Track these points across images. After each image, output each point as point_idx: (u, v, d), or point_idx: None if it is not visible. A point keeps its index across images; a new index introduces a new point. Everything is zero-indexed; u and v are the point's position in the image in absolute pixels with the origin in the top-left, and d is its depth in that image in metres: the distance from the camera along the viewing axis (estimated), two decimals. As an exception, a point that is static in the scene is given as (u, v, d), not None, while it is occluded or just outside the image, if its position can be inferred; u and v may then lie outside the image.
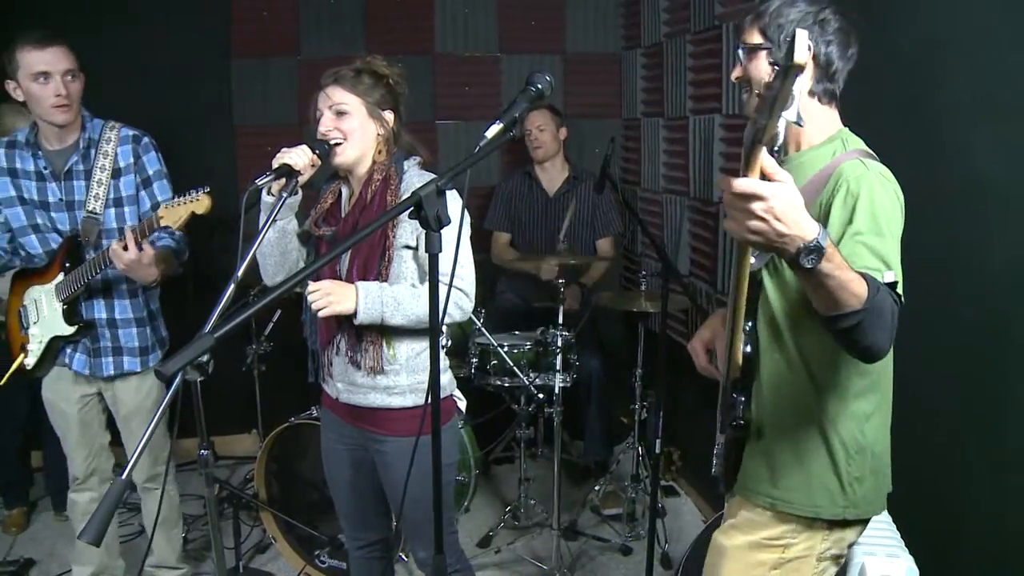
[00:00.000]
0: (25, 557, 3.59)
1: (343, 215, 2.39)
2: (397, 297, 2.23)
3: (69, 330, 2.83)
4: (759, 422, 1.88)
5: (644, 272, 3.95)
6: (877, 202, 1.63)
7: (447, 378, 2.46)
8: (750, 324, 1.82)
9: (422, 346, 2.37)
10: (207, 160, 4.45)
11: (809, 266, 1.39)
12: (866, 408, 1.82)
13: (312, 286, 2.18)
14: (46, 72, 2.63)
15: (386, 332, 2.32)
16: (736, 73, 1.88)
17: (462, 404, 2.52)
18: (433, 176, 1.78)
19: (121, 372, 2.93)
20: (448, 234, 2.21)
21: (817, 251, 1.38)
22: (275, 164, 2.19)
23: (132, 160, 2.83)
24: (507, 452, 4.46)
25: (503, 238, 4.54)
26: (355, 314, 2.20)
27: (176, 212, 2.46)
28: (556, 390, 3.50)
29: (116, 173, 2.81)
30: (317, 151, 2.24)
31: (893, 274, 1.58)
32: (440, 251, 1.54)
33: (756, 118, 1.32)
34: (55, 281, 2.81)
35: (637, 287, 3.91)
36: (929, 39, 2.46)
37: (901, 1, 2.57)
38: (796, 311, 1.77)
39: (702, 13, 3.84)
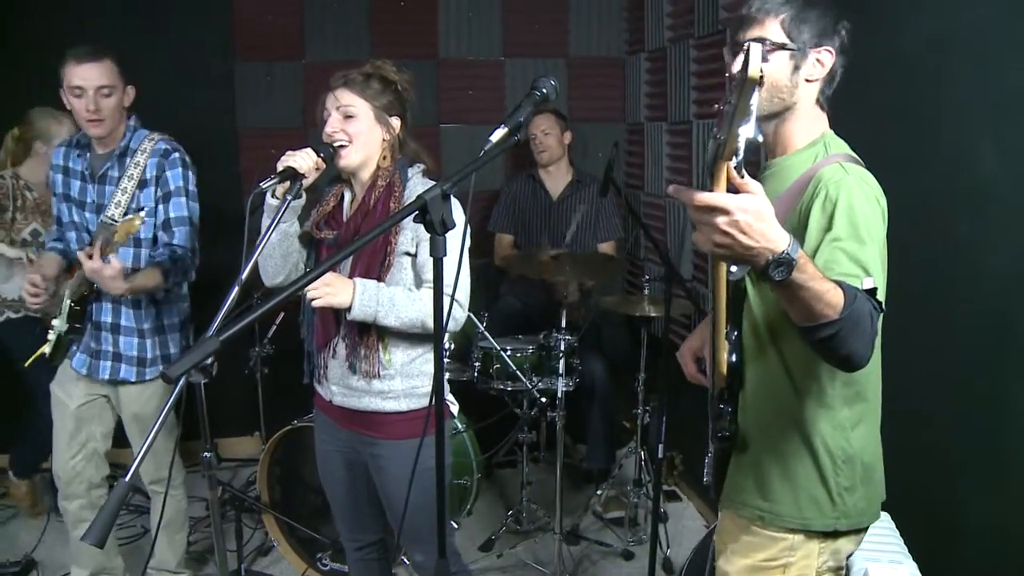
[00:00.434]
0: (28, 558, 3.59)
1: (345, 219, 2.39)
2: (393, 298, 2.23)
3: (65, 326, 2.88)
4: (745, 433, 1.85)
5: (647, 276, 3.95)
6: (856, 207, 1.60)
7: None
8: (736, 333, 1.79)
9: (418, 352, 2.38)
10: (211, 163, 4.42)
11: (779, 279, 1.36)
12: (852, 417, 1.78)
13: (313, 286, 2.18)
14: (81, 87, 2.72)
15: (383, 337, 2.32)
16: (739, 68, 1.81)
17: (454, 408, 2.54)
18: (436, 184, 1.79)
19: (117, 378, 2.94)
20: (450, 242, 2.24)
21: (787, 264, 1.34)
22: (280, 167, 2.20)
23: (156, 173, 2.86)
24: (509, 456, 4.46)
25: (506, 239, 4.54)
26: (349, 308, 2.20)
27: (124, 229, 2.53)
28: (559, 394, 3.50)
29: (142, 184, 2.85)
30: (322, 154, 2.24)
31: (872, 280, 1.54)
32: (445, 255, 1.54)
33: (716, 133, 1.30)
34: (71, 279, 2.89)
35: (640, 291, 3.91)
36: (929, 40, 2.46)
37: (901, 2, 2.57)
38: (778, 320, 1.73)
39: (706, 18, 3.85)
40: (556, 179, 4.44)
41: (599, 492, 4.04)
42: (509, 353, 3.63)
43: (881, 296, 1.57)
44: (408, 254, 2.30)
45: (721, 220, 1.30)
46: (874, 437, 1.85)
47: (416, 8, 4.71)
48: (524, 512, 3.86)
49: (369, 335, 2.31)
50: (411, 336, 2.33)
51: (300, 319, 2.52)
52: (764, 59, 1.32)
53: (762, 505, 1.83)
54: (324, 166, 2.26)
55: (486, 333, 3.67)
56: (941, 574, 2.28)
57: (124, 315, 2.91)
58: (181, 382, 1.47)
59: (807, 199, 1.66)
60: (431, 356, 2.42)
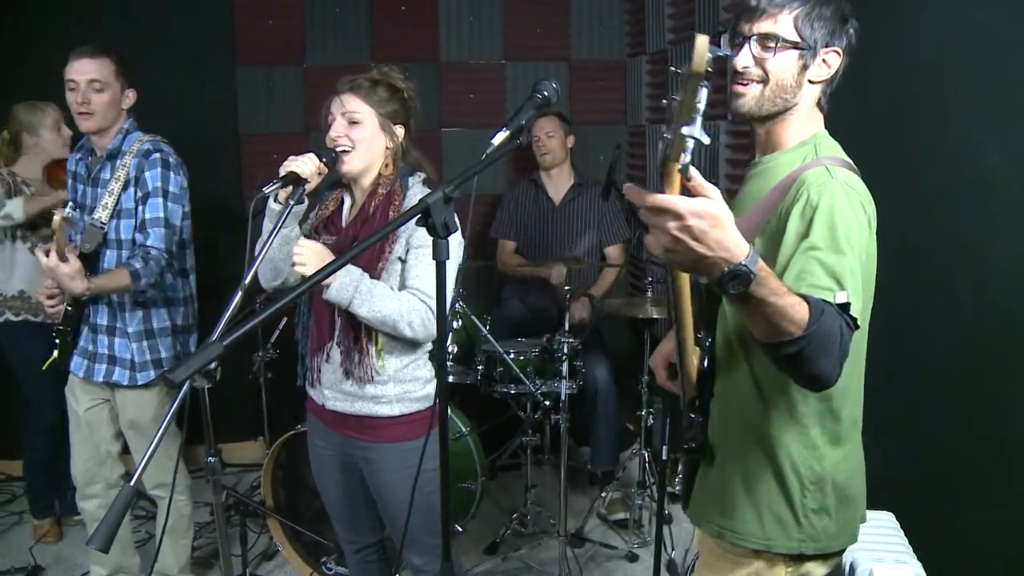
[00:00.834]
0: (34, 564, 3.59)
1: (344, 224, 2.40)
2: (372, 290, 2.22)
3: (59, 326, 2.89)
4: (712, 445, 1.77)
5: (650, 278, 3.95)
6: (837, 213, 1.50)
7: (433, 387, 2.46)
8: (709, 340, 1.72)
9: (411, 358, 2.38)
10: (212, 168, 4.45)
11: (734, 292, 1.26)
12: (826, 435, 1.67)
13: (302, 243, 2.18)
14: (74, 80, 2.78)
15: (377, 343, 2.32)
16: (744, 63, 1.67)
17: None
18: None
19: (110, 381, 2.94)
20: (433, 252, 2.23)
21: (744, 277, 1.24)
22: (282, 172, 2.19)
23: (136, 174, 2.85)
24: (513, 459, 4.45)
25: (509, 246, 4.54)
26: (328, 287, 2.20)
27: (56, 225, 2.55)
28: (562, 397, 3.49)
29: (126, 185, 2.85)
30: (324, 159, 2.24)
31: (846, 295, 1.43)
32: (447, 258, 1.54)
33: (664, 132, 1.21)
34: None
35: (643, 293, 3.91)
36: (932, 38, 2.46)
37: (905, 0, 2.58)
38: (748, 329, 1.58)
39: (707, 19, 3.85)
40: (558, 183, 4.44)
41: (603, 495, 4.03)
42: (512, 356, 3.63)
43: (858, 310, 1.45)
44: (400, 259, 2.31)
45: (672, 224, 1.20)
46: (851, 458, 1.73)
47: (417, 12, 4.71)
48: (528, 515, 3.86)
49: (363, 341, 2.32)
50: (405, 342, 2.33)
51: (296, 321, 2.53)
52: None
53: (724, 523, 1.74)
54: (326, 171, 2.26)
55: (489, 336, 3.67)
56: (945, 574, 2.28)
57: (119, 318, 2.92)
58: (185, 387, 1.47)
59: (788, 201, 1.58)
60: (424, 361, 2.43)
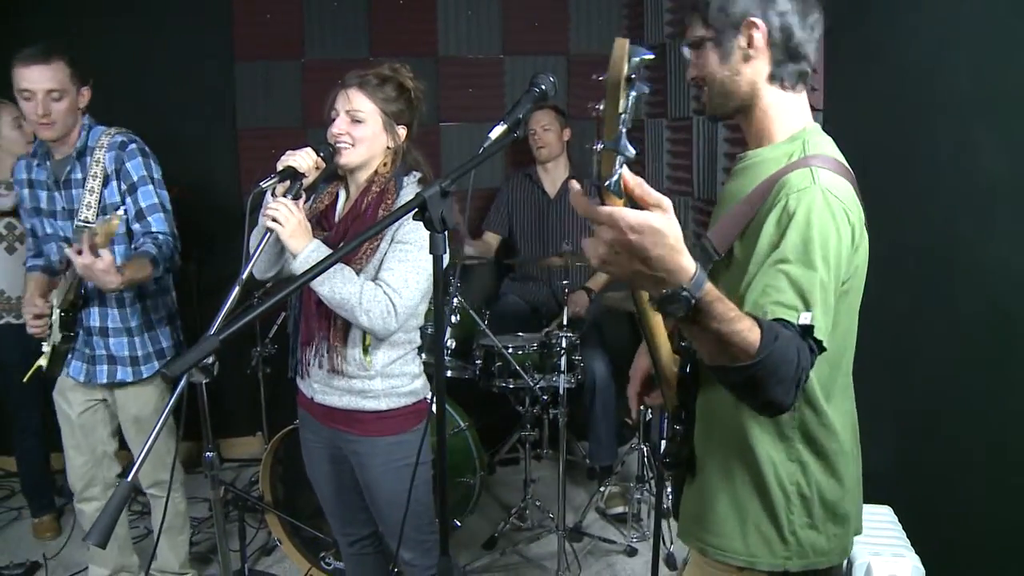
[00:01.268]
0: (31, 561, 3.59)
1: (337, 219, 2.40)
2: (335, 272, 2.19)
3: (59, 336, 2.85)
4: (696, 456, 1.71)
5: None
6: (814, 224, 1.41)
7: (421, 382, 2.47)
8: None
9: (399, 353, 2.39)
10: (210, 162, 4.47)
11: (672, 315, 1.18)
12: (812, 448, 1.59)
13: (280, 203, 2.15)
14: (29, 90, 2.65)
15: (364, 339, 2.33)
16: (690, 74, 1.67)
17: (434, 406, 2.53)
18: None
19: (114, 381, 2.93)
20: (408, 251, 2.22)
21: (684, 302, 1.16)
22: (279, 166, 2.19)
23: (116, 166, 2.81)
24: (512, 454, 4.46)
25: (492, 237, 4.55)
26: (295, 257, 2.17)
27: (104, 231, 2.47)
28: (561, 391, 3.50)
29: (106, 180, 2.81)
30: (321, 153, 2.23)
31: (810, 316, 1.35)
32: (443, 252, 1.53)
33: (594, 146, 1.14)
34: (56, 288, 2.87)
35: (641, 288, 3.89)
36: (930, 36, 2.46)
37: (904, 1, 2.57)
38: None
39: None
40: (554, 176, 4.44)
41: (602, 489, 4.04)
42: (511, 351, 3.63)
43: (824, 330, 1.37)
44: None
45: (609, 236, 1.11)
46: (842, 471, 1.63)
47: (415, 6, 4.70)
48: (527, 509, 3.86)
49: (351, 335, 2.32)
50: (392, 338, 2.33)
51: (286, 313, 2.52)
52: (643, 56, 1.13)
53: (707, 538, 1.68)
54: (324, 165, 2.25)
55: (487, 331, 3.67)
56: (943, 567, 2.28)
57: (111, 317, 2.89)
58: (182, 382, 1.47)
59: (768, 205, 1.49)
60: (412, 357, 2.44)
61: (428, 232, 1.51)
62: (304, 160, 2.19)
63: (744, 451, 1.60)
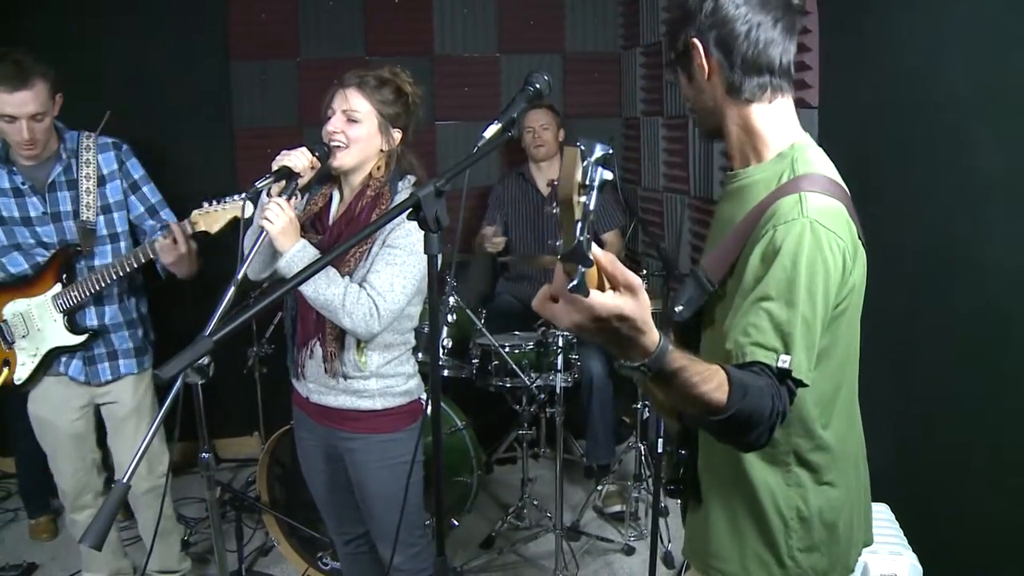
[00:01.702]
0: (28, 562, 3.58)
1: (331, 222, 2.39)
2: (321, 273, 2.18)
3: (75, 340, 2.84)
4: (699, 479, 1.69)
5: (645, 271, 3.95)
6: (800, 260, 1.37)
7: (415, 382, 2.48)
8: None
9: (394, 354, 2.40)
10: (206, 162, 4.45)
11: (634, 378, 1.23)
12: (809, 470, 1.56)
13: (273, 202, 2.17)
14: (11, 115, 2.60)
15: (359, 340, 2.33)
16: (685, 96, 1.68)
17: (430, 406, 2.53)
18: None
19: (118, 375, 2.94)
20: (399, 257, 2.22)
21: (643, 373, 1.22)
22: (275, 166, 2.19)
23: (116, 166, 2.86)
24: (509, 453, 4.46)
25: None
26: (282, 255, 2.19)
27: (213, 218, 2.56)
28: (557, 390, 3.49)
29: (101, 181, 2.83)
30: (317, 153, 2.23)
31: (789, 360, 1.34)
32: (438, 252, 1.53)
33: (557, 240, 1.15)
34: (50, 293, 2.80)
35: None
36: (926, 35, 2.46)
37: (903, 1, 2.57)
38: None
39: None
40: (548, 175, 4.43)
41: (599, 488, 4.04)
42: (507, 350, 3.62)
43: (804, 370, 1.36)
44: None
45: (576, 318, 1.16)
46: (842, 492, 1.60)
47: (411, 5, 4.70)
48: (525, 508, 3.86)
49: (346, 337, 2.32)
50: (387, 340, 2.34)
51: (283, 313, 2.53)
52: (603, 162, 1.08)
53: (708, 560, 1.67)
54: (319, 165, 2.25)
55: (484, 330, 3.67)
56: (940, 565, 2.28)
57: (108, 314, 2.91)
58: (178, 383, 1.46)
59: (757, 234, 1.45)
60: (407, 357, 2.45)
61: (420, 235, 1.51)
62: (299, 160, 2.19)
63: (740, 477, 1.58)
